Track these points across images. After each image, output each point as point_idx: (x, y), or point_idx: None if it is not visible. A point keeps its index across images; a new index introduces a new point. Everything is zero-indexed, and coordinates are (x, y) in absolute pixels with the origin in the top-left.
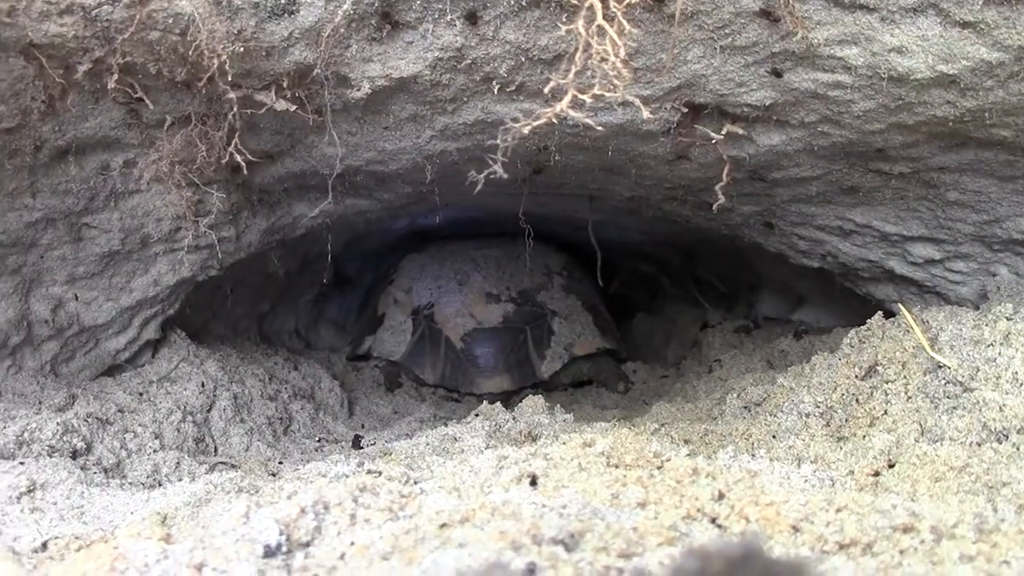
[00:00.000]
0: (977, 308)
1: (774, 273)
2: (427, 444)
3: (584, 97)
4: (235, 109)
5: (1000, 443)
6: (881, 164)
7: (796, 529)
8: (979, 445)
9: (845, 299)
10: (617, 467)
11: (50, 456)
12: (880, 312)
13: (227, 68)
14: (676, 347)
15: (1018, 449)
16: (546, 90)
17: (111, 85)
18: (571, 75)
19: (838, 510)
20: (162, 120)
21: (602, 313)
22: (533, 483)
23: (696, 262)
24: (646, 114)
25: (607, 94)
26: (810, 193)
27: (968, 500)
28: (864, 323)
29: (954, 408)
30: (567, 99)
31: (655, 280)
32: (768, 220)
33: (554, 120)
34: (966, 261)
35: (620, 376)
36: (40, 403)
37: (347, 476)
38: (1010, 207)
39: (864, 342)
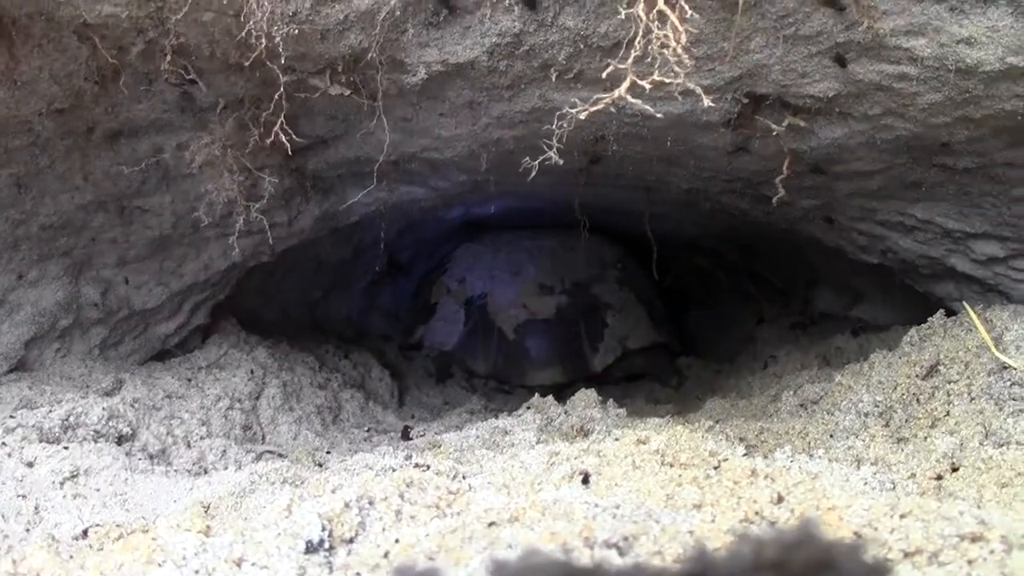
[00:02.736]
0: None
1: (831, 269)
2: (477, 437)
3: (643, 83)
4: (282, 91)
5: None
6: (945, 159)
7: (859, 536)
8: None
9: (904, 296)
10: (672, 466)
11: (95, 441)
12: (941, 310)
13: (281, 51)
14: (730, 342)
15: None
16: (604, 75)
17: (164, 67)
18: (630, 60)
19: (902, 516)
20: (215, 103)
21: (656, 307)
22: (585, 481)
23: (752, 257)
24: (707, 103)
25: (667, 80)
26: (871, 187)
27: None
28: (924, 321)
29: (1020, 411)
30: (625, 85)
31: (710, 274)
32: (828, 215)
33: (612, 108)
34: None
35: (673, 370)
36: (87, 387)
37: (394, 469)
38: None
39: (925, 340)
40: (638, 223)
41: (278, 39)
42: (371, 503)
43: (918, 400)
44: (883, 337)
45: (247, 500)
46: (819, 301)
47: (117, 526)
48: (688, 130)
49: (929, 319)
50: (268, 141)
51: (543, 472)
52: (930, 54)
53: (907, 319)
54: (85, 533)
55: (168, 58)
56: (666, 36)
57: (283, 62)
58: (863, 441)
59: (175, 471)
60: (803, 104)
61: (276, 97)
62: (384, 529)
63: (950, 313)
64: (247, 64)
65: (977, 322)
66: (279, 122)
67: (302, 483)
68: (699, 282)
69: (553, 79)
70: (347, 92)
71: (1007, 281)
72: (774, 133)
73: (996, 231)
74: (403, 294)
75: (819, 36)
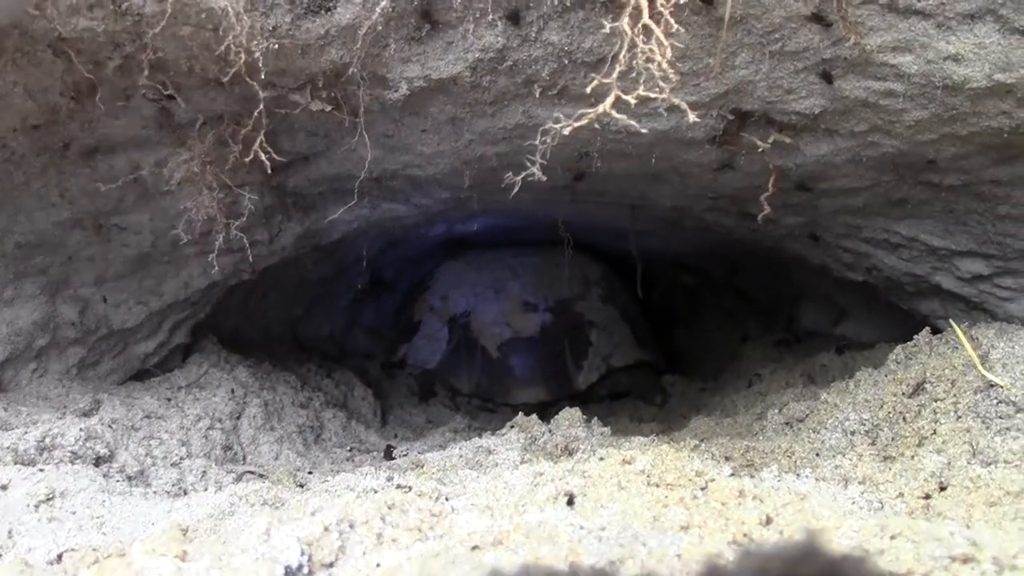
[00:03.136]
0: None
1: (815, 286)
2: (460, 456)
3: (628, 98)
4: (262, 107)
5: None
6: (931, 176)
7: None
8: None
9: (888, 314)
10: (658, 486)
11: (72, 463)
12: (927, 328)
13: (260, 66)
14: (715, 360)
15: None
16: (588, 90)
17: (142, 82)
18: (615, 75)
19: (892, 537)
20: (194, 119)
21: (641, 324)
22: (570, 502)
23: (736, 274)
24: (692, 118)
25: (653, 95)
26: (857, 205)
27: None
28: (909, 339)
29: (1007, 429)
30: (610, 99)
31: (694, 292)
32: (813, 232)
33: (596, 124)
34: (1015, 277)
35: (658, 389)
36: (64, 408)
37: (375, 491)
38: None
39: (911, 358)
40: (622, 240)
41: (258, 54)
42: (352, 526)
43: (904, 418)
44: (868, 355)
45: (226, 523)
46: (803, 319)
47: (93, 550)
48: (673, 147)
49: (915, 337)
50: (248, 158)
51: (527, 493)
52: (917, 71)
53: (891, 337)
54: (60, 558)
55: (146, 73)
56: (651, 50)
57: (263, 77)
58: (850, 460)
59: (154, 493)
60: (789, 121)
61: (256, 113)
62: (365, 553)
63: (935, 331)
64: (226, 79)
65: (964, 340)
66: (259, 139)
67: (282, 505)
68: (683, 300)
69: (537, 95)
70: (328, 108)
71: (992, 299)
72: (759, 150)
73: (981, 249)
74: (386, 312)
75: (805, 52)
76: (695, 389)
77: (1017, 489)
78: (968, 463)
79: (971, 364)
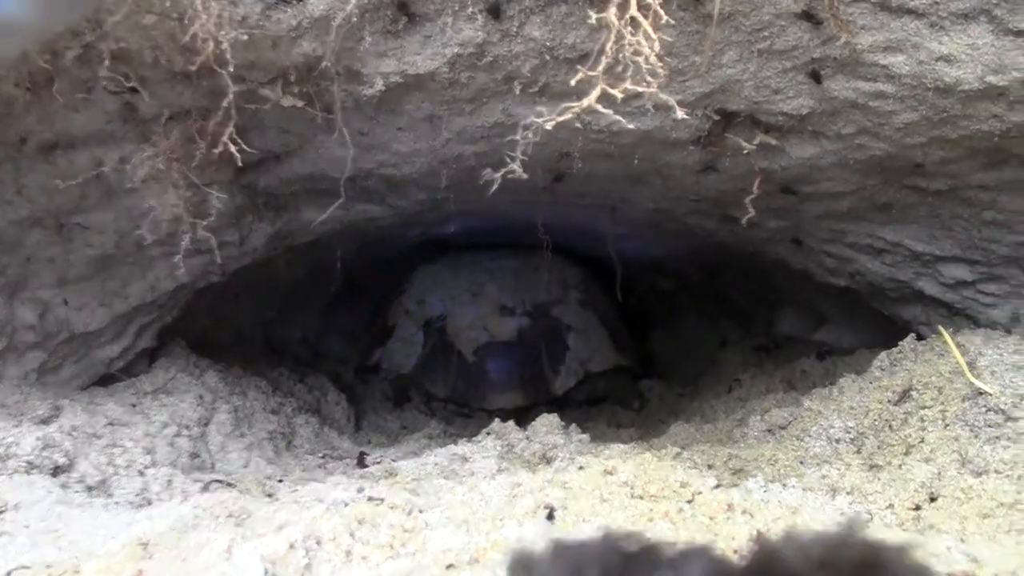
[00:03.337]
0: (1009, 332)
1: (795, 291)
2: (435, 464)
3: (615, 92)
4: (231, 99)
5: None
6: (918, 180)
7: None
8: None
9: (868, 319)
10: (642, 498)
11: (27, 473)
12: (912, 334)
13: (229, 57)
14: (693, 365)
15: None
16: (573, 82)
17: (103, 73)
18: (601, 68)
19: None
20: (159, 114)
21: (619, 329)
22: (550, 516)
23: (715, 279)
24: (680, 115)
25: (640, 89)
26: (841, 209)
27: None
28: (889, 345)
29: (996, 438)
30: (596, 93)
31: (673, 296)
32: (796, 236)
33: (578, 123)
34: (999, 283)
35: (636, 393)
36: (22, 415)
37: (346, 504)
38: None
39: (895, 365)
40: (601, 243)
41: (226, 45)
42: (319, 543)
43: (890, 426)
44: (849, 361)
45: (189, 536)
46: (782, 324)
47: (46, 567)
48: (656, 147)
49: (900, 343)
50: (216, 152)
51: (505, 506)
52: (908, 71)
53: (872, 343)
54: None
55: (107, 64)
56: (639, 42)
57: (231, 70)
58: (837, 470)
59: (115, 503)
60: (775, 122)
61: (224, 105)
62: (333, 572)
63: (918, 337)
64: (193, 71)
65: (952, 347)
66: (227, 133)
67: (249, 516)
68: (662, 304)
69: (517, 92)
70: (300, 104)
71: (975, 305)
72: (744, 152)
73: (966, 254)
74: (361, 315)
75: (794, 51)
76: (673, 394)
77: (1010, 500)
78: (959, 473)
79: (958, 371)
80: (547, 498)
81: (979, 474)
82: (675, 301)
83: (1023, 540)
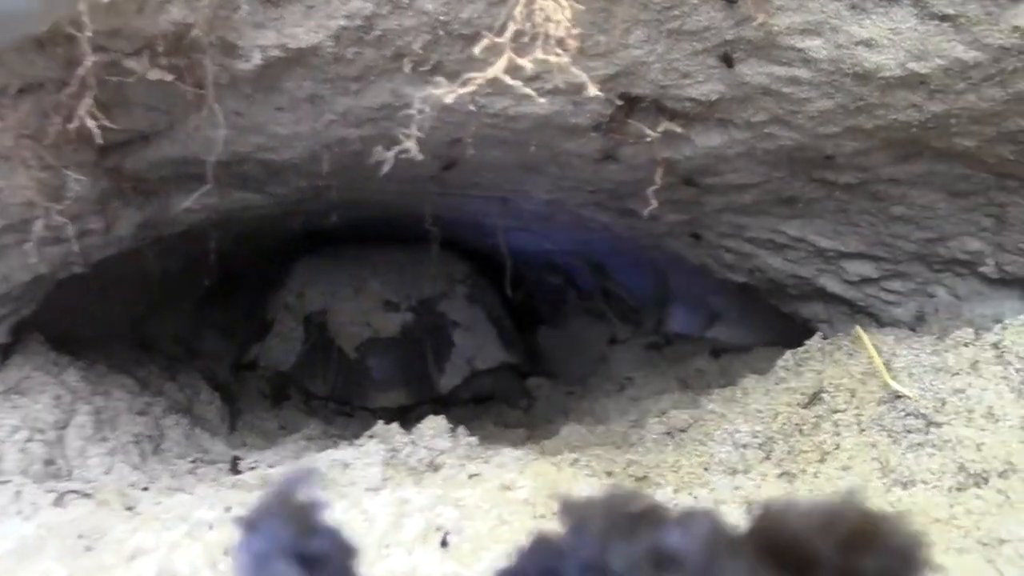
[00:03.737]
0: (913, 330)
1: (687, 287)
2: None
3: (523, 62)
4: (89, 67)
5: (980, 488)
6: (827, 173)
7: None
8: (959, 491)
9: (764, 316)
10: (545, 518)
11: None
12: (819, 333)
13: (87, 21)
14: (582, 362)
15: (1007, 497)
16: (477, 51)
17: None
18: (508, 33)
19: None
20: (6, 85)
21: (506, 326)
22: (444, 543)
23: (604, 274)
24: (593, 91)
25: (551, 59)
26: (744, 202)
27: (965, 561)
28: (788, 343)
29: (920, 445)
30: (503, 62)
31: (561, 292)
32: (695, 231)
33: (472, 107)
34: (903, 281)
35: (523, 392)
36: None
37: (210, 527)
38: (957, 225)
39: (802, 365)
40: (488, 238)
41: (83, 6)
42: None
43: (801, 431)
44: (746, 359)
45: (28, 565)
46: (673, 320)
47: None
48: (554, 134)
49: (806, 343)
50: (72, 129)
51: (391, 528)
52: (825, 56)
53: (767, 340)
54: None
55: None
56: (551, 6)
57: (89, 35)
58: (752, 480)
59: None
60: (681, 108)
61: (82, 76)
62: None
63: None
64: (46, 39)
65: (870, 346)
66: (84, 107)
67: (102, 537)
68: (549, 300)
69: (407, 71)
70: (169, 78)
71: (877, 303)
72: (647, 139)
73: (871, 251)
74: (238, 310)
75: (706, 32)
76: (562, 393)
77: (945, 516)
78: (885, 486)
79: (871, 373)
80: (439, 519)
81: (906, 486)
82: (563, 297)
83: (962, 560)
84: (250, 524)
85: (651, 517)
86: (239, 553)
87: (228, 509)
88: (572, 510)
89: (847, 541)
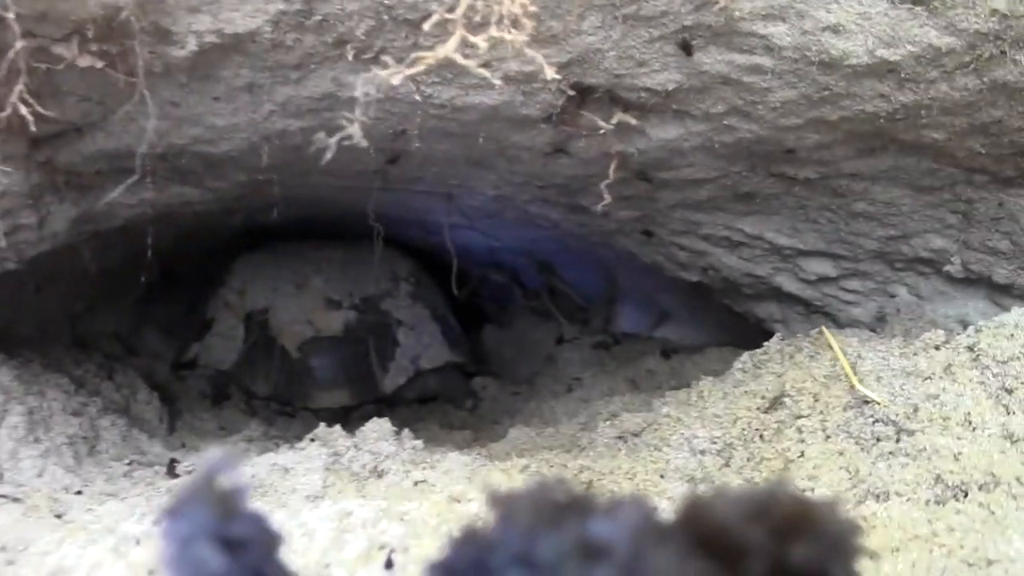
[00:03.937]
0: (873, 331)
1: (636, 286)
2: (253, 477)
3: (476, 40)
4: (17, 48)
5: (959, 501)
6: (786, 167)
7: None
8: (938, 504)
9: (714, 316)
10: None
11: None
12: (778, 335)
13: (10, 3)
14: (529, 363)
15: (991, 511)
16: (427, 27)
17: None
18: (461, 10)
19: None
20: None
21: (451, 324)
22: (389, 564)
23: (552, 272)
24: (551, 75)
25: (507, 37)
26: (699, 198)
27: None
28: (740, 343)
29: (891, 454)
30: (455, 40)
31: (506, 290)
32: (647, 228)
33: (417, 97)
34: (863, 280)
35: (468, 392)
36: None
37: (137, 541)
38: (921, 222)
39: (761, 368)
40: (434, 234)
41: None
42: None
43: (762, 437)
44: (698, 360)
45: None
46: (622, 319)
47: None
48: (503, 125)
49: (764, 344)
50: (3, 116)
51: (332, 546)
52: (790, 43)
53: (718, 340)
54: None
55: None
56: None
57: (12, 16)
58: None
59: None
60: (636, 99)
61: (10, 58)
62: None
63: (771, 335)
64: None
65: (837, 348)
66: (16, 93)
67: (24, 550)
68: (494, 298)
69: (350, 58)
70: (100, 64)
71: (835, 302)
72: (600, 132)
73: (830, 249)
74: (177, 308)
75: (664, 17)
76: (508, 393)
77: (925, 532)
78: (856, 496)
79: (835, 376)
80: (383, 536)
81: (880, 499)
82: (509, 295)
83: None
84: (174, 509)
85: (579, 507)
86: (164, 539)
87: (159, 521)
88: (500, 502)
89: (778, 528)
